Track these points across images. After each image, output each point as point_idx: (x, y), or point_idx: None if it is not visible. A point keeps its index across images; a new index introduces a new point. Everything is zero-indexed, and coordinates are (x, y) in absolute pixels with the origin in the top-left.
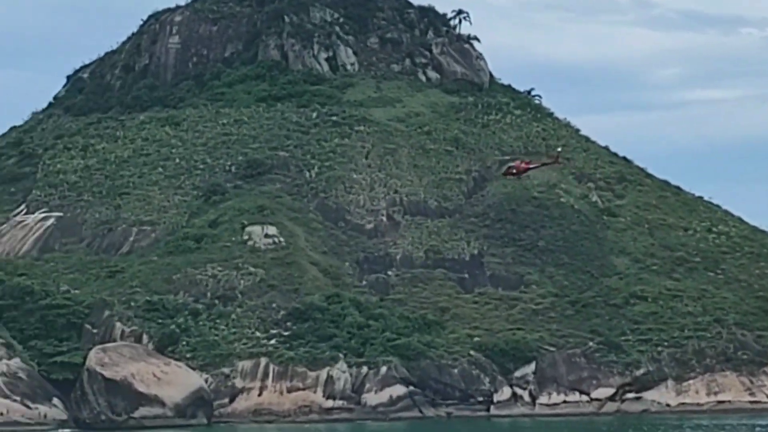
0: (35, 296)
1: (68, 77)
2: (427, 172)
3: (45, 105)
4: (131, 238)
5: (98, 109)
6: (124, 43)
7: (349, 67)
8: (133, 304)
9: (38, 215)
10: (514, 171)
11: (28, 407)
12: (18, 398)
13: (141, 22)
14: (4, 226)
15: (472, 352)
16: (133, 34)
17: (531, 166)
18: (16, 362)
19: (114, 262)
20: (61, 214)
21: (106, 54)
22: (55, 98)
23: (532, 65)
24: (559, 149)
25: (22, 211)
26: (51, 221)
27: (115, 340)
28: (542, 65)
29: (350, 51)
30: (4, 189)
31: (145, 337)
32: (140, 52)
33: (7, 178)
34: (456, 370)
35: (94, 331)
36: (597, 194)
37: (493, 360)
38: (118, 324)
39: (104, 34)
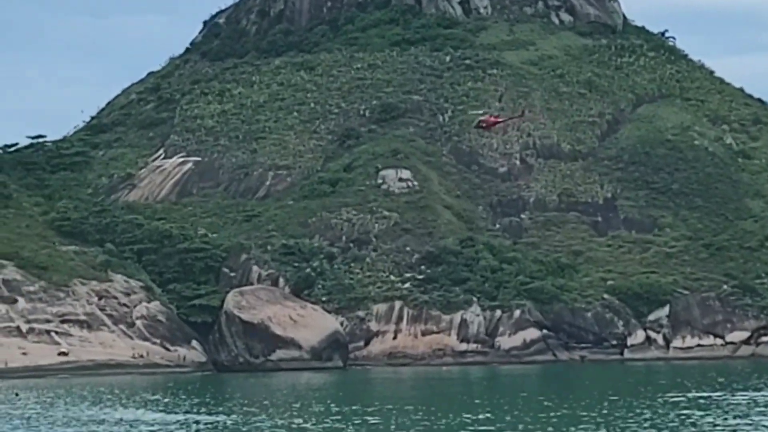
0: (174, 240)
1: (205, 22)
2: (560, 115)
3: (182, 50)
4: (267, 183)
5: (234, 54)
6: None
7: (482, 10)
8: (269, 247)
9: (176, 160)
10: (484, 125)
11: (168, 349)
12: (158, 341)
13: None
14: (143, 170)
15: (605, 296)
16: None
17: (499, 120)
18: (155, 305)
19: (250, 206)
20: (198, 158)
21: None
22: (191, 44)
23: (666, 7)
24: (524, 109)
25: (160, 155)
26: (189, 166)
27: (252, 284)
28: (676, 7)
29: None
30: (142, 134)
31: (281, 281)
32: None
33: (145, 123)
34: (589, 314)
35: (232, 274)
36: (731, 136)
37: (626, 303)
38: (255, 267)
39: None
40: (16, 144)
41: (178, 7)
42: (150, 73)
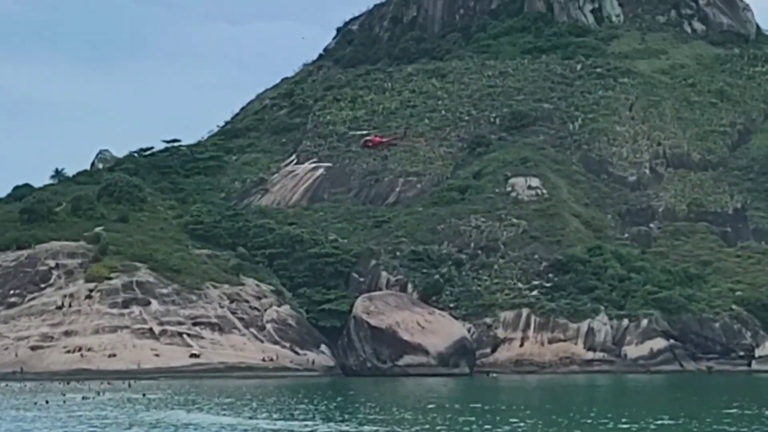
0: (305, 245)
1: (338, 29)
2: (691, 125)
3: (315, 57)
4: (397, 189)
5: (367, 61)
6: None
7: (614, 18)
8: (398, 253)
9: (308, 165)
10: (370, 144)
11: (297, 353)
12: (287, 344)
13: None
14: (276, 175)
15: (733, 306)
16: None
17: (383, 140)
18: (285, 309)
19: (380, 212)
20: (330, 164)
21: (375, 6)
22: (325, 50)
23: None
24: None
25: (292, 161)
26: (320, 171)
27: (380, 289)
28: None
29: (616, 2)
30: (275, 139)
31: (409, 287)
32: (408, 5)
33: (278, 129)
34: (717, 324)
35: (361, 279)
36: None
37: (755, 314)
38: (384, 273)
39: None
40: (152, 148)
41: (312, 13)
42: (284, 79)
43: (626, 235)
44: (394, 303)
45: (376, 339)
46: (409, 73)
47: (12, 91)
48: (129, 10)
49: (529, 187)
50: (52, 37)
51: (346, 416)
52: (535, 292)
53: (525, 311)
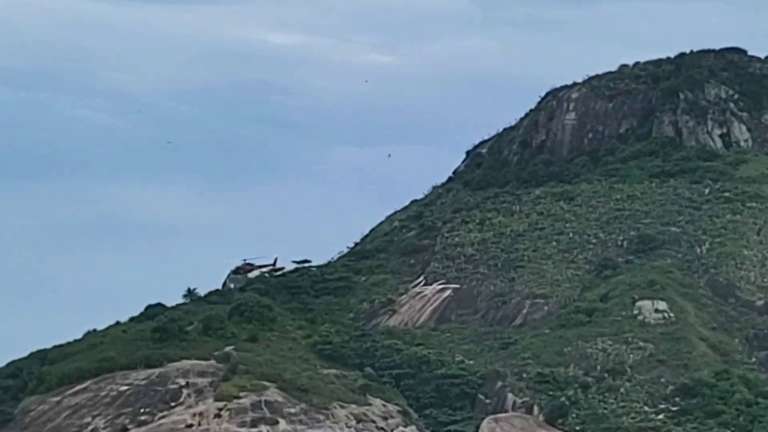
0: (431, 366)
1: (467, 152)
2: None
3: (445, 179)
4: (524, 311)
5: (495, 184)
6: (521, 120)
7: (742, 143)
8: (524, 375)
9: (436, 287)
10: (242, 271)
11: None
12: None
13: (539, 99)
14: (404, 296)
15: None
16: (530, 110)
17: (254, 267)
18: (412, 430)
19: (507, 333)
20: (457, 285)
21: (505, 130)
22: (454, 173)
23: None
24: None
25: (420, 282)
26: (448, 293)
27: (506, 411)
28: None
29: (744, 127)
30: (404, 261)
31: (535, 409)
32: (537, 128)
33: (407, 250)
34: None
35: (487, 401)
36: None
37: None
38: (510, 395)
39: (503, 111)
40: (283, 268)
41: (443, 137)
42: (413, 201)
43: (753, 359)
44: (520, 425)
45: None
46: (538, 196)
47: (146, 213)
48: (255, 132)
49: (656, 311)
50: (181, 159)
51: None
52: (661, 416)
53: None
